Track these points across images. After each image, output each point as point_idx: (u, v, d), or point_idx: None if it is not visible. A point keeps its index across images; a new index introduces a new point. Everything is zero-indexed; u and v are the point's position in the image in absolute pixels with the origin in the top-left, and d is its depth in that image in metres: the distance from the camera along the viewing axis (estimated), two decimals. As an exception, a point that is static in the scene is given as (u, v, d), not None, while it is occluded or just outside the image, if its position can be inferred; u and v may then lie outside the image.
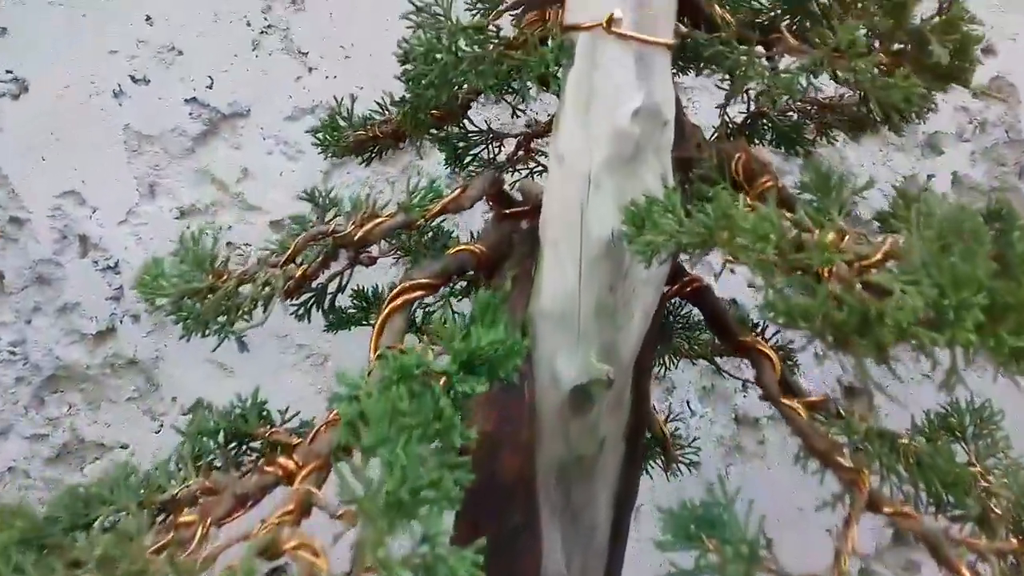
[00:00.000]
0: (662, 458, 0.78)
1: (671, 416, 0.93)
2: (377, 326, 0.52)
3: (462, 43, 0.58)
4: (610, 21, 0.55)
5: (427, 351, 0.45)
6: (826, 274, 0.49)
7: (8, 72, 1.17)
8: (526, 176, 0.78)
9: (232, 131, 1.15)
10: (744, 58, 0.57)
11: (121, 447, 1.23)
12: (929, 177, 1.13)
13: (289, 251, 0.52)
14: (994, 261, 0.47)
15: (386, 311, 0.52)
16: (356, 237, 0.53)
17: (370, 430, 0.37)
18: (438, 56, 0.56)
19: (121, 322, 1.21)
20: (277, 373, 1.19)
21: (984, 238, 0.47)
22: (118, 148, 1.17)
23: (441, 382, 0.41)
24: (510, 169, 0.76)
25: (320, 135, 0.73)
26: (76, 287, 1.20)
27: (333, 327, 0.74)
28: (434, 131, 0.69)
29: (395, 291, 0.53)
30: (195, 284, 0.49)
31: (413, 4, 0.61)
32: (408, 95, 0.65)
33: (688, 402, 1.18)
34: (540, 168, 0.78)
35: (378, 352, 0.51)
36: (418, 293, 0.53)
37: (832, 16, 0.59)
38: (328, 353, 1.18)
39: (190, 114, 1.16)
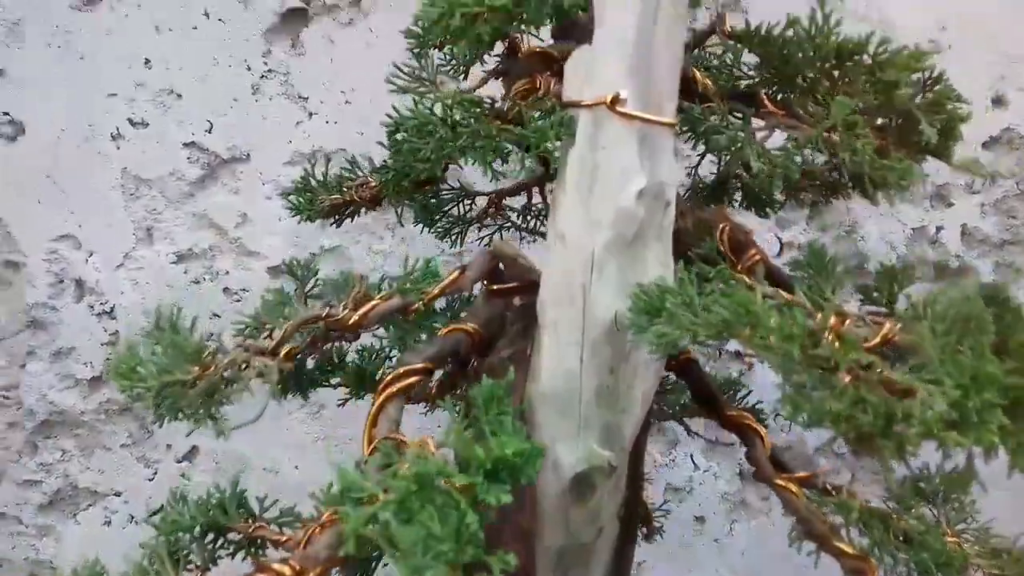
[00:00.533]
0: (643, 529, 0.77)
1: (672, 467, 0.91)
2: (371, 415, 0.51)
3: (458, 116, 0.57)
4: (615, 100, 0.55)
5: (430, 452, 0.44)
6: (845, 372, 0.47)
7: (5, 114, 1.17)
8: (495, 232, 0.77)
9: (231, 176, 1.14)
10: (741, 134, 0.56)
11: (115, 494, 1.22)
12: (938, 229, 1.12)
13: (280, 337, 0.50)
14: (996, 349, 0.47)
15: (380, 399, 0.50)
16: (351, 322, 0.52)
17: (402, 561, 0.35)
18: (433, 129, 0.54)
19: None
20: (275, 420, 1.17)
21: (989, 329, 0.47)
22: (115, 192, 1.16)
23: (463, 493, 0.39)
24: (479, 226, 0.76)
25: (292, 198, 0.72)
26: (71, 332, 1.18)
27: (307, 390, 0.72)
28: (415, 196, 0.68)
29: (389, 378, 0.52)
30: (177, 375, 0.47)
31: (397, 68, 0.61)
32: (391, 162, 0.63)
33: (692, 456, 1.16)
34: (509, 225, 0.78)
35: (374, 444, 0.49)
36: (413, 379, 0.52)
37: (819, 90, 0.58)
38: (324, 402, 1.17)
39: (188, 158, 1.15)
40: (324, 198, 0.71)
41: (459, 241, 0.77)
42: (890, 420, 0.45)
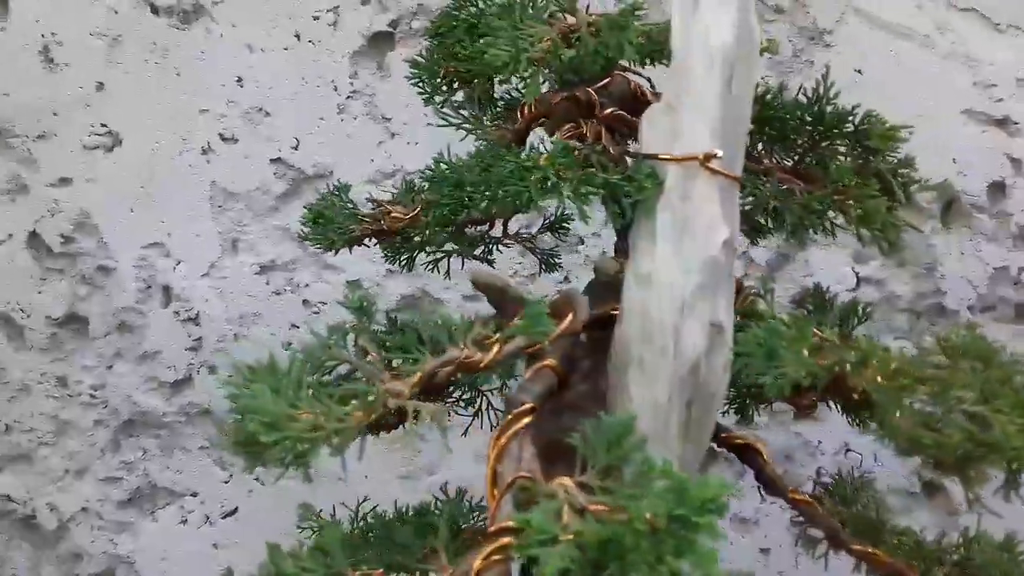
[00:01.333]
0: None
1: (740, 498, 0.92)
2: (494, 454, 0.53)
3: (551, 160, 0.61)
4: (708, 157, 0.60)
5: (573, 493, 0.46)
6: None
7: (103, 126, 1.23)
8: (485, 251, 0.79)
9: (314, 191, 1.19)
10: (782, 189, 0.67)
11: (191, 494, 1.27)
12: (1020, 270, 1.11)
13: (418, 380, 0.52)
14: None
15: (503, 441, 0.53)
16: (484, 364, 0.54)
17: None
18: (525, 180, 0.57)
19: (198, 372, 1.25)
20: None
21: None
22: (204, 203, 1.22)
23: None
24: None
25: (310, 225, 0.73)
26: (157, 336, 1.24)
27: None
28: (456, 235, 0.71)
29: (511, 416, 0.54)
30: (332, 424, 0.48)
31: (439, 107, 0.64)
32: (440, 196, 0.66)
33: (759, 488, 1.17)
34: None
35: (511, 482, 0.51)
36: (527, 420, 0.54)
37: (807, 150, 0.70)
38: (422, 432, 1.20)
39: (275, 173, 1.20)
40: (353, 227, 0.73)
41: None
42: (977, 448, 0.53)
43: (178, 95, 1.23)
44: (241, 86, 1.21)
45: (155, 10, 1.22)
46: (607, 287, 0.67)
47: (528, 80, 0.66)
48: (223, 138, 1.23)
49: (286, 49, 1.20)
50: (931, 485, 1.15)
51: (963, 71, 1.11)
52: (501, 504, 0.49)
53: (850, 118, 0.69)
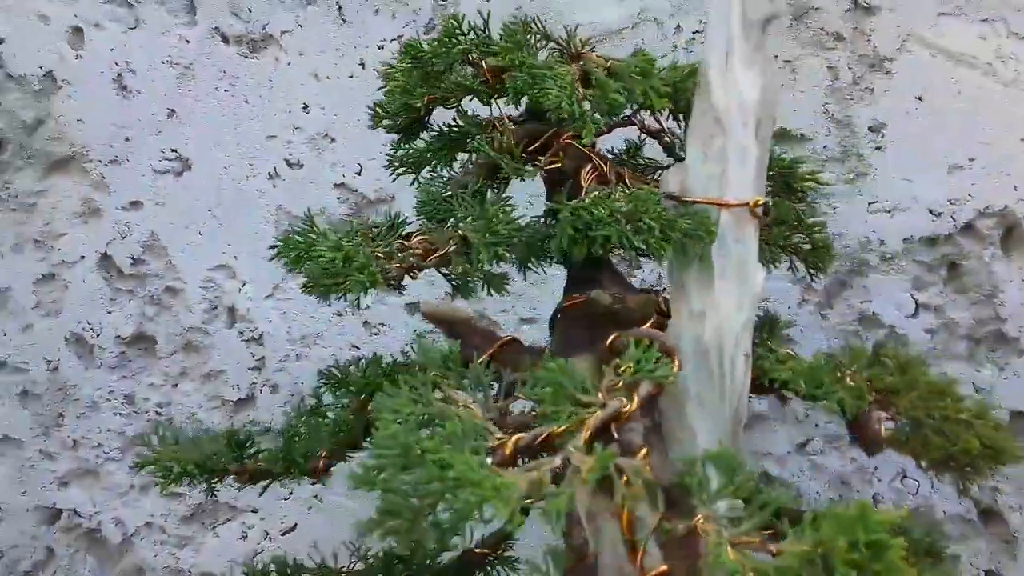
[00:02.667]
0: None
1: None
2: (627, 499, 0.55)
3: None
4: (756, 204, 0.68)
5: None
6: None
7: (173, 151, 1.29)
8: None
9: (376, 216, 1.23)
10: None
11: (252, 511, 1.32)
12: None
13: (590, 435, 0.55)
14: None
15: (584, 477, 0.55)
16: (629, 412, 0.57)
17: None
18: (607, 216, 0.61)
19: (261, 391, 1.29)
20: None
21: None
22: (269, 227, 1.27)
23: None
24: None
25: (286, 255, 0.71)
26: (221, 355, 1.30)
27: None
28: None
29: (630, 463, 0.56)
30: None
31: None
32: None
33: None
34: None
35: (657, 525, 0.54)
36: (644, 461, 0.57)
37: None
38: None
39: (339, 198, 1.25)
40: (391, 265, 0.76)
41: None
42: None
43: (246, 122, 1.28)
44: (307, 113, 1.27)
45: (225, 39, 1.28)
46: (594, 317, 0.70)
47: (585, 120, 0.68)
48: (289, 164, 1.28)
49: (351, 77, 1.25)
50: (988, 512, 1.16)
51: (1024, 99, 1.12)
52: (648, 549, 0.52)
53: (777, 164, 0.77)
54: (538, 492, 0.48)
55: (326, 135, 1.27)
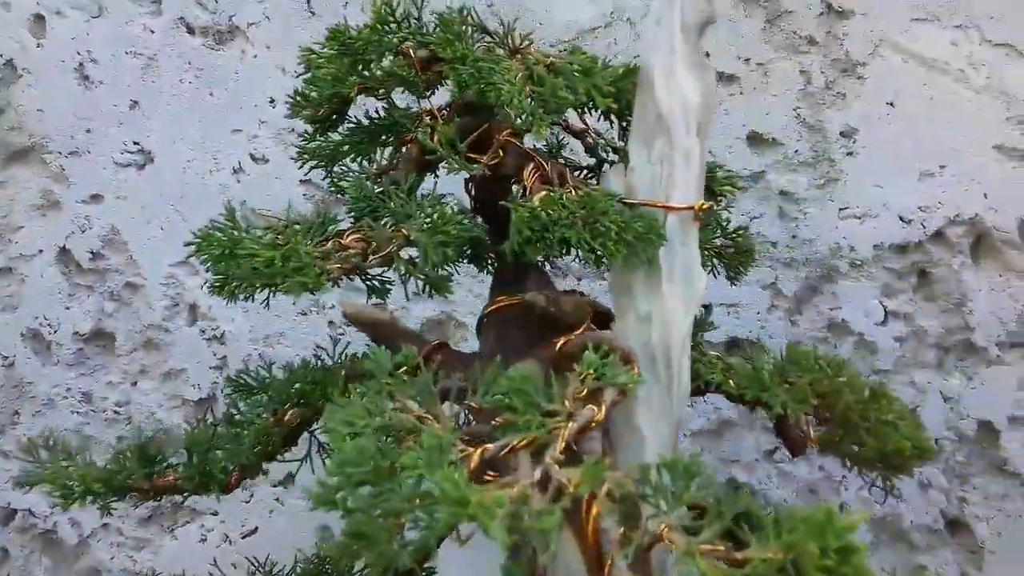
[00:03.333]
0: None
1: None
2: (596, 512, 0.53)
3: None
4: (701, 207, 0.68)
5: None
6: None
7: (135, 143, 1.28)
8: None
9: (342, 212, 1.21)
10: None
11: (212, 513, 1.30)
12: (1050, 308, 1.12)
13: (563, 447, 0.54)
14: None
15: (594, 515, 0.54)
16: (597, 421, 0.56)
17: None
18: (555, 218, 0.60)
19: (222, 391, 1.27)
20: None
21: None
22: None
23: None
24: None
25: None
26: (182, 354, 1.28)
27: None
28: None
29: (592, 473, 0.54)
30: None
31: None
32: None
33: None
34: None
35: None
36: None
37: None
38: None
39: (304, 194, 1.24)
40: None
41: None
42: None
43: (211, 115, 1.27)
44: (273, 107, 1.25)
45: (191, 30, 1.27)
46: (528, 320, 0.70)
47: (537, 117, 0.67)
48: (254, 158, 1.26)
49: (318, 72, 1.23)
50: (955, 522, 1.16)
51: (996, 106, 1.13)
52: (616, 562, 0.50)
53: None
54: (527, 509, 0.46)
55: (292, 130, 1.26)
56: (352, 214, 0.74)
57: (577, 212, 0.62)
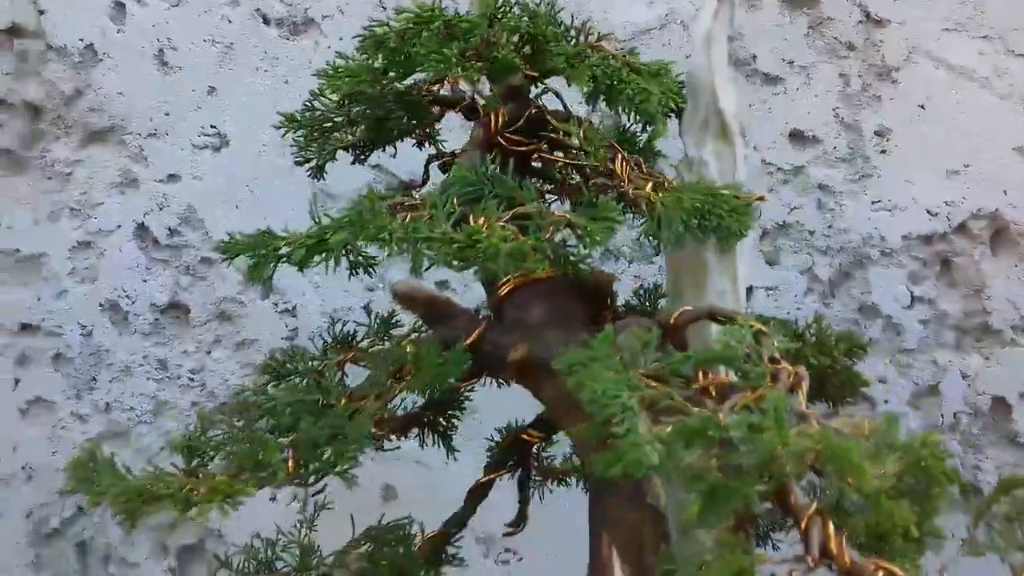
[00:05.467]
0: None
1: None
2: None
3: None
4: (760, 199, 0.81)
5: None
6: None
7: (212, 127, 1.39)
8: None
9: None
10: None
11: (312, 496, 1.41)
12: (1061, 296, 1.27)
13: None
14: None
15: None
16: None
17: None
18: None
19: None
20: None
21: None
22: (304, 203, 1.35)
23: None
24: None
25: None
26: (255, 325, 1.40)
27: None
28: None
29: None
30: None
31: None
32: None
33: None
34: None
35: None
36: None
37: None
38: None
39: (374, 179, 1.34)
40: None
41: None
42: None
43: (285, 102, 1.37)
44: (346, 96, 1.35)
45: (267, 21, 1.37)
46: (577, 291, 0.78)
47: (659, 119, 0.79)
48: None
49: (391, 64, 1.35)
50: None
51: (1017, 111, 1.27)
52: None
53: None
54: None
55: (364, 118, 1.37)
56: (458, 197, 0.79)
57: (707, 201, 0.74)
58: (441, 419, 0.86)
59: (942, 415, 1.35)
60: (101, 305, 1.46)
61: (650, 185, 0.78)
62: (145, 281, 1.45)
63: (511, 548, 1.44)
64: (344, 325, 0.88)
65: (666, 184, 0.79)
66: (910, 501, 0.54)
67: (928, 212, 1.31)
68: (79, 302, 1.46)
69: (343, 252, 0.75)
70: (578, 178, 0.82)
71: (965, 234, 1.31)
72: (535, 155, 0.82)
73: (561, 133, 0.80)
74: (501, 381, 0.83)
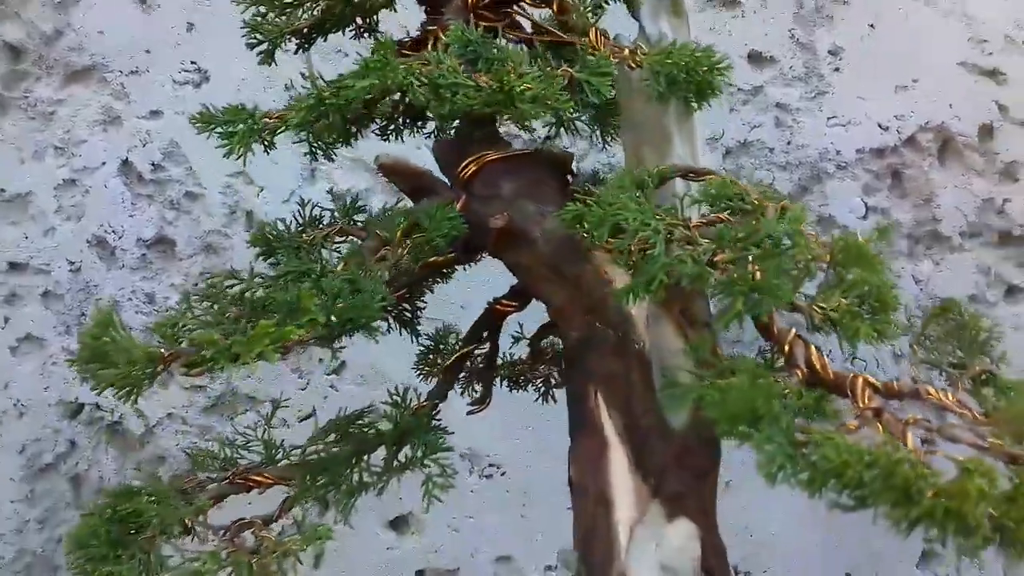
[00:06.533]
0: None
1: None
2: None
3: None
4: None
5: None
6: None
7: (192, 63, 1.45)
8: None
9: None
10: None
11: (270, 401, 1.47)
12: (1004, 201, 1.37)
13: None
14: None
15: None
16: None
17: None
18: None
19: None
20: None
21: None
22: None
23: None
24: None
25: None
26: (240, 256, 1.45)
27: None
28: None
29: None
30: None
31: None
32: None
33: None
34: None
35: None
36: None
37: None
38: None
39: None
40: None
41: None
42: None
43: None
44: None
45: (243, -42, 1.41)
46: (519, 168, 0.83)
47: None
48: (305, 76, 1.42)
49: (367, -3, 1.41)
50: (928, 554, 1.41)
51: (960, 28, 1.37)
52: None
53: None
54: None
55: (340, 50, 1.43)
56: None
57: (690, 59, 0.76)
58: (407, 306, 0.93)
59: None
60: (88, 241, 1.51)
61: (626, 51, 0.83)
62: (131, 216, 1.50)
63: (495, 463, 1.52)
64: (313, 208, 0.93)
65: (639, 52, 0.84)
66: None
67: (879, 126, 1.40)
68: (66, 239, 1.50)
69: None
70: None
71: (914, 147, 1.41)
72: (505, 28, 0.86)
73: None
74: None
